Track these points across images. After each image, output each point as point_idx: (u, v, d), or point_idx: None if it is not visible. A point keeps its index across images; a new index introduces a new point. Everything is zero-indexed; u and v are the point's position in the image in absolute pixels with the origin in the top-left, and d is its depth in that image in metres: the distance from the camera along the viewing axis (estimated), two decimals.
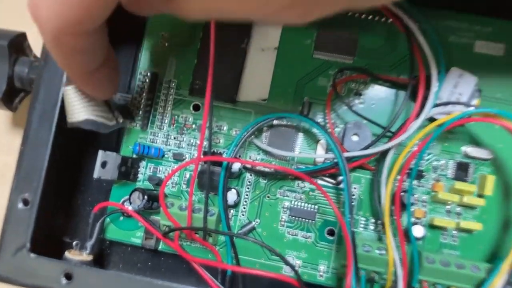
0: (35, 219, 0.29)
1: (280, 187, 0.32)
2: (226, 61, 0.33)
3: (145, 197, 0.31)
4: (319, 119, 0.32)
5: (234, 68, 0.33)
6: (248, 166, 0.32)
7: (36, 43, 0.32)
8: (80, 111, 0.28)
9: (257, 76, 0.33)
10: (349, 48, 0.32)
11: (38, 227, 0.30)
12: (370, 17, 0.32)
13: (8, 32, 0.32)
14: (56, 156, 0.30)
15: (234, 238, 0.31)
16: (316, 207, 0.32)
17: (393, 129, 0.31)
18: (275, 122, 0.32)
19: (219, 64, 0.32)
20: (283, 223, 0.32)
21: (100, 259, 0.34)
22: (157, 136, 0.33)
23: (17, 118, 0.38)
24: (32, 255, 0.29)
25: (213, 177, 0.31)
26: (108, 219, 0.33)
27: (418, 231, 0.31)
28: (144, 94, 0.33)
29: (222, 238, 0.32)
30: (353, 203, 0.31)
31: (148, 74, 0.33)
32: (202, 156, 0.31)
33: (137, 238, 0.33)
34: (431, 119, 0.31)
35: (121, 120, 0.30)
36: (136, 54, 0.35)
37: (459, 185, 0.31)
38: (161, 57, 0.34)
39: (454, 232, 0.31)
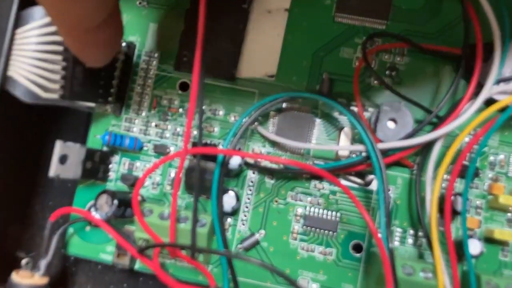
0: None
1: (292, 188, 0.25)
2: (222, 26, 0.25)
3: (115, 201, 0.23)
4: (343, 100, 0.25)
5: (233, 36, 0.25)
6: (251, 161, 0.25)
7: None
8: (12, 64, 0.22)
9: (263, 46, 0.25)
10: (380, 9, 0.25)
11: None
12: None
13: None
14: (0, 148, 0.23)
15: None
16: (339, 214, 0.25)
17: (440, 114, 0.24)
18: (285, 104, 0.25)
19: (213, 31, 0.25)
20: (295, 235, 0.25)
21: (63, 280, 0.27)
22: (134, 123, 0.26)
23: None
24: None
25: (204, 176, 0.24)
26: (71, 230, 0.26)
27: (474, 246, 0.23)
28: (117, 70, 0.25)
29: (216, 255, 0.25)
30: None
31: (123, 44, 0.26)
32: (190, 148, 0.23)
33: (107, 254, 0.26)
34: (490, 101, 0.23)
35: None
36: None
37: None
38: (139, 22, 0.26)
39: None
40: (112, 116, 0.26)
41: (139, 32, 0.26)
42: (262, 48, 0.26)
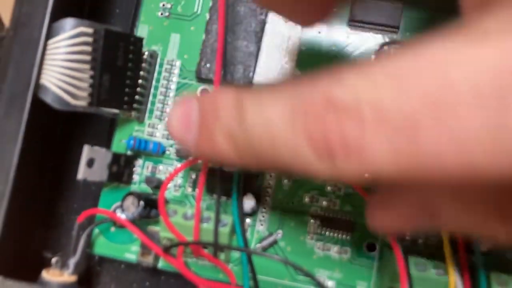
0: (1, 232, 0.23)
1: (308, 190, 0.26)
2: (240, 35, 0.26)
3: (141, 203, 0.25)
4: None
5: (249, 44, 0.26)
6: None
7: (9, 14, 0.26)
8: (44, 73, 0.23)
9: (279, 54, 0.27)
10: (392, 19, 0.26)
11: (6, 242, 0.24)
12: None
13: None
14: (29, 152, 0.24)
15: (252, 254, 0.25)
16: (354, 215, 0.26)
17: None
18: None
19: (232, 40, 0.26)
20: (311, 235, 0.26)
21: (88, 279, 0.28)
22: (157, 128, 0.27)
23: None
24: None
25: (225, 178, 0.25)
26: (96, 230, 0.27)
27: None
28: (141, 78, 0.27)
29: (236, 254, 0.26)
30: None
31: (146, 53, 0.27)
32: None
33: (132, 253, 0.27)
34: None
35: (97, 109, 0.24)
36: (132, 28, 0.29)
37: None
38: (161, 32, 0.28)
39: None
40: (136, 121, 0.27)
41: (161, 41, 0.28)
42: (278, 56, 0.27)
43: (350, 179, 0.15)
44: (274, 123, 0.16)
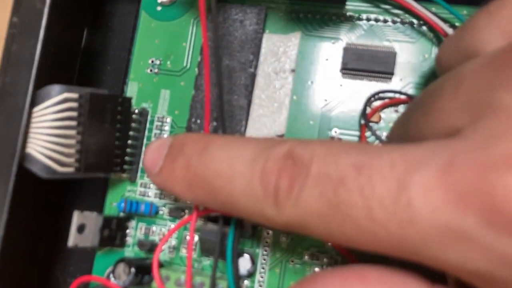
0: None
1: (308, 247, 0.25)
2: (230, 90, 0.26)
3: (132, 270, 0.24)
4: None
5: (240, 98, 0.26)
6: None
7: None
8: (30, 142, 0.23)
9: (271, 106, 0.26)
10: (386, 65, 0.25)
11: None
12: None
13: None
14: (18, 222, 0.23)
15: None
16: None
17: None
18: None
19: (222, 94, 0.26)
20: None
21: None
22: (149, 188, 0.27)
23: None
24: None
25: (213, 239, 0.24)
26: None
27: None
28: (130, 138, 0.26)
29: None
30: None
31: (136, 110, 0.27)
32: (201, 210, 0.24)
33: None
34: None
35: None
36: (123, 86, 0.28)
37: None
38: (151, 88, 0.27)
39: None
40: (128, 181, 0.27)
41: (151, 98, 0.27)
42: (270, 108, 0.26)
43: (288, 223, 0.17)
44: (236, 160, 0.18)
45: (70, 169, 0.24)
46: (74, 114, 0.24)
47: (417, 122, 0.18)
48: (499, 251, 0.13)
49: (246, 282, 0.25)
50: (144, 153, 0.22)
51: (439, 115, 0.17)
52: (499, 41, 0.17)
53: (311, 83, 0.26)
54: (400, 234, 0.14)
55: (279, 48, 0.26)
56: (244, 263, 0.24)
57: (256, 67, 0.26)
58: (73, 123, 0.24)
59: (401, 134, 0.21)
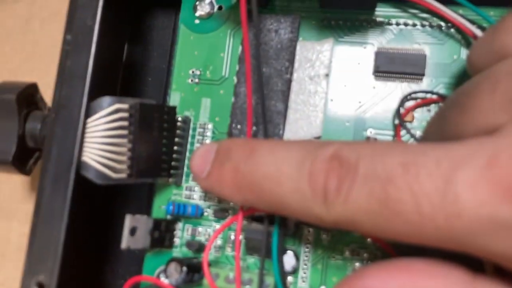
0: None
1: (348, 244, 0.26)
2: (267, 95, 0.27)
3: (184, 268, 0.25)
4: None
5: (277, 103, 0.27)
6: None
7: (50, 94, 0.27)
8: (85, 151, 0.25)
9: (307, 110, 0.27)
10: (417, 66, 0.26)
11: None
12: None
13: (16, 84, 0.28)
14: (75, 226, 0.25)
15: None
16: None
17: None
18: None
19: (260, 100, 0.27)
20: None
21: None
22: (194, 191, 0.28)
23: (35, 182, 0.33)
24: None
25: (259, 238, 0.25)
26: None
27: None
28: (175, 144, 0.28)
29: None
30: None
31: (179, 118, 0.28)
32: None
33: None
34: None
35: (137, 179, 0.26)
36: (164, 96, 0.30)
37: None
38: (193, 97, 0.29)
39: None
40: (173, 186, 0.28)
41: (193, 106, 0.29)
42: (306, 111, 0.27)
43: (337, 221, 0.18)
44: (283, 163, 0.19)
45: (123, 175, 0.25)
46: (125, 123, 0.25)
47: (454, 120, 0.20)
48: None
49: (289, 278, 0.26)
50: (190, 159, 0.23)
51: (477, 114, 0.18)
52: None
53: (345, 86, 0.27)
54: (448, 227, 0.16)
55: (313, 54, 0.28)
56: (289, 260, 0.26)
57: (291, 73, 0.27)
58: (125, 132, 0.25)
59: (437, 132, 0.22)
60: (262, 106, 0.24)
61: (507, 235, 0.15)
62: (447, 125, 0.20)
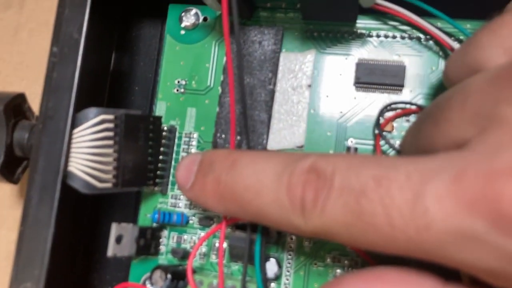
0: None
1: (330, 251, 0.27)
2: (251, 106, 0.28)
3: (169, 276, 0.26)
4: None
5: (261, 113, 0.28)
6: None
7: (38, 104, 0.28)
8: (71, 161, 0.25)
9: (290, 120, 0.28)
10: (397, 77, 0.27)
11: None
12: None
13: (4, 94, 0.28)
14: (62, 235, 0.25)
15: None
16: None
17: None
18: None
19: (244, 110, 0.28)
20: None
21: None
22: (180, 199, 0.29)
23: (24, 189, 0.34)
24: None
25: (242, 245, 0.26)
26: None
27: None
28: (161, 153, 0.28)
29: None
30: None
31: (165, 128, 0.29)
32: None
33: None
34: None
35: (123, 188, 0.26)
36: (151, 105, 0.30)
37: None
38: (178, 107, 0.29)
39: None
40: (159, 194, 0.29)
41: (178, 115, 0.29)
42: (289, 121, 0.28)
43: (315, 232, 0.19)
44: (263, 174, 0.20)
45: (108, 185, 0.26)
46: (110, 134, 0.26)
47: (427, 132, 0.20)
48: (506, 250, 0.15)
49: (273, 285, 0.27)
50: (176, 170, 0.23)
51: (448, 127, 0.18)
52: (501, 57, 0.19)
53: (327, 97, 0.28)
54: (418, 238, 0.16)
55: (295, 65, 0.28)
56: (271, 267, 0.26)
57: (275, 84, 0.28)
58: (110, 142, 0.26)
59: (413, 143, 0.23)
60: (244, 116, 0.25)
61: (473, 247, 0.16)
62: (421, 137, 0.21)
